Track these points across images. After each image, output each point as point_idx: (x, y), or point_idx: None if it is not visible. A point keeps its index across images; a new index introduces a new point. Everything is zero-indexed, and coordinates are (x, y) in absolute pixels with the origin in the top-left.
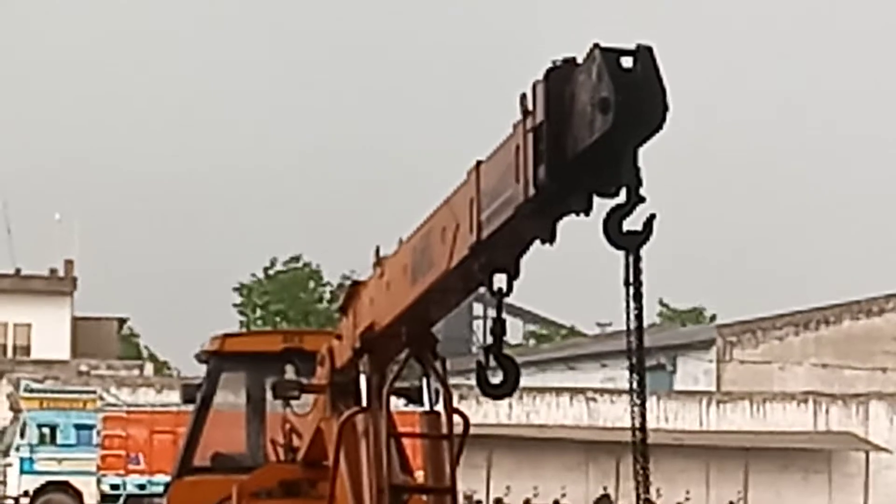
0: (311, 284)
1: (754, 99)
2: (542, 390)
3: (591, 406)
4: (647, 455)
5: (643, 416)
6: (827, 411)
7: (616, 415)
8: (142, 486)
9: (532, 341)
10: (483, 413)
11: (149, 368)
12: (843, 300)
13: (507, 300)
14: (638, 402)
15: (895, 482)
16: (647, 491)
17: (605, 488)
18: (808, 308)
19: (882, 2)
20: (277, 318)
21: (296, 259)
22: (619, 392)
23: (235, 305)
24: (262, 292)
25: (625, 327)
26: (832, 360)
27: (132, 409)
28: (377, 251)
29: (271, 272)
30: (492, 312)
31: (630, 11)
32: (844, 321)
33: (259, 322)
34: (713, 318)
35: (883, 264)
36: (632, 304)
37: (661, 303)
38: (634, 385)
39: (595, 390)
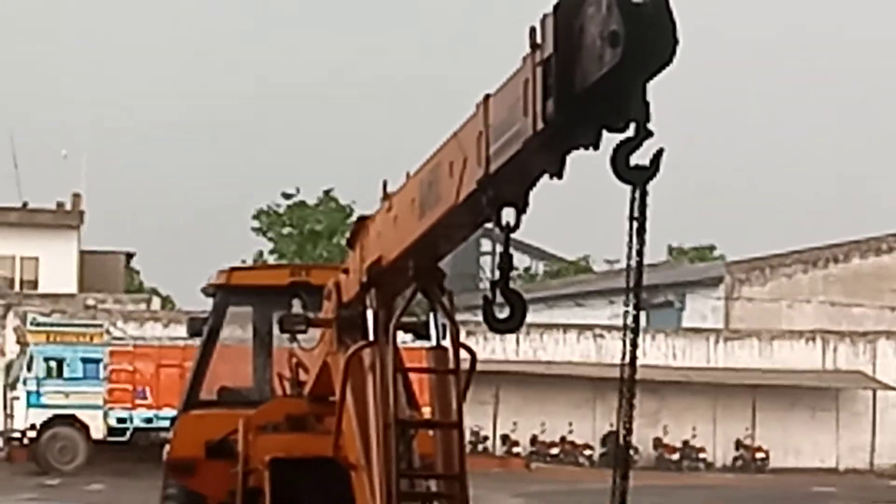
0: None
1: (764, 25)
2: (549, 327)
3: (598, 342)
4: (633, 391)
5: (633, 351)
6: (835, 349)
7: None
8: (148, 420)
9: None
10: (490, 349)
11: (156, 302)
12: (852, 238)
13: (515, 236)
14: (631, 337)
15: None
16: (630, 426)
17: (611, 425)
18: (816, 246)
19: None
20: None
21: (327, 192)
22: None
23: (254, 230)
24: (283, 222)
25: (626, 262)
26: (840, 298)
27: (139, 342)
28: (384, 185)
29: (291, 202)
30: (500, 248)
31: None
32: (853, 259)
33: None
34: (717, 254)
35: (891, 202)
36: (635, 239)
37: (670, 248)
38: (629, 321)
39: (603, 327)
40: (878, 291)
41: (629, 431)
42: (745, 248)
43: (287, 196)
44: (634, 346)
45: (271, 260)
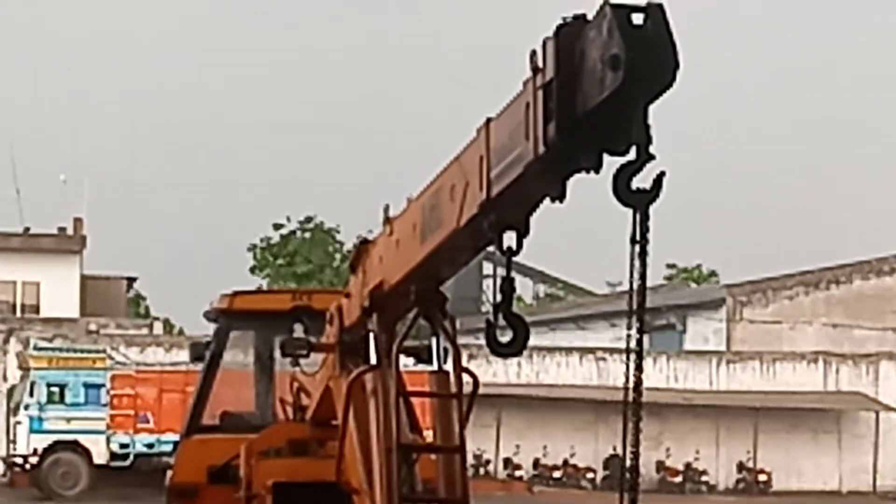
0: (330, 248)
1: (762, 49)
2: (551, 350)
3: (600, 366)
4: (640, 415)
5: (639, 375)
6: (837, 371)
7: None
8: (150, 445)
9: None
10: (492, 372)
11: (158, 327)
12: (854, 260)
13: (517, 259)
14: (635, 360)
15: None
16: (636, 449)
17: (614, 448)
18: (818, 267)
19: None
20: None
21: (309, 220)
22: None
23: (252, 270)
24: (276, 254)
25: (629, 286)
26: (842, 320)
27: (141, 367)
28: (386, 209)
29: (284, 231)
30: (501, 271)
31: None
32: (855, 281)
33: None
34: (713, 273)
35: (892, 223)
36: (636, 263)
37: (668, 265)
38: (633, 344)
39: (605, 350)
40: (881, 313)
41: (636, 456)
42: (742, 270)
43: (277, 227)
44: (640, 369)
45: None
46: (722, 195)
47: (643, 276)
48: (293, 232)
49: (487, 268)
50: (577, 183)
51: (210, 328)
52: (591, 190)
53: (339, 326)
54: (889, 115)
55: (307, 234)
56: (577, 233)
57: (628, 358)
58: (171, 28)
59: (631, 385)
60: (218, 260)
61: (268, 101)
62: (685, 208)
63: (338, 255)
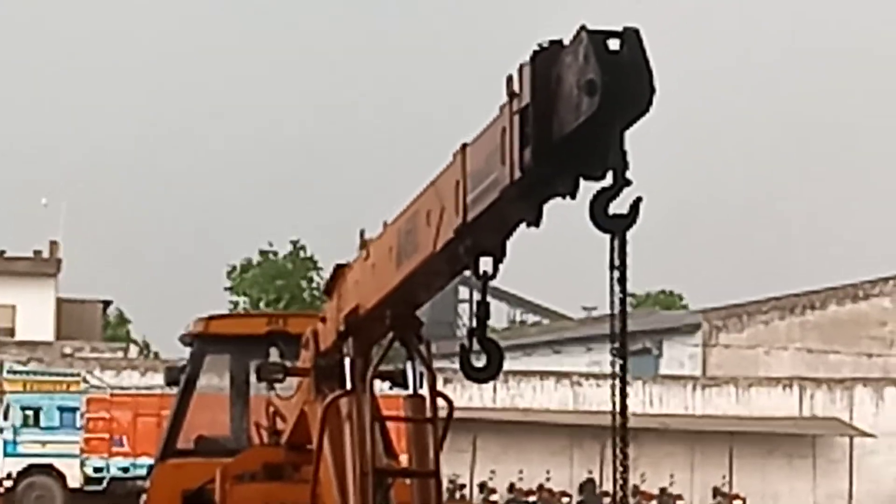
0: (310, 274)
1: (730, 74)
2: (527, 374)
3: (576, 390)
4: (626, 440)
5: (624, 400)
6: (812, 396)
7: (601, 399)
8: (125, 469)
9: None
10: (468, 397)
11: (133, 351)
12: (829, 285)
13: (493, 283)
14: (619, 385)
15: (879, 467)
16: (625, 475)
17: (589, 472)
18: (793, 293)
19: None
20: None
21: (293, 244)
22: (605, 376)
23: (227, 289)
24: (253, 280)
25: (610, 311)
26: (817, 345)
27: (116, 391)
28: (362, 234)
29: (264, 257)
30: (477, 296)
31: None
32: (830, 306)
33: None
34: (680, 298)
35: (870, 249)
36: (616, 288)
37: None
38: (617, 369)
39: (580, 374)
40: (855, 338)
41: (625, 482)
42: (711, 295)
43: (263, 253)
44: (624, 395)
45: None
46: (687, 220)
47: (623, 302)
48: (274, 253)
49: (463, 292)
50: (554, 207)
51: (186, 352)
52: (567, 214)
53: (314, 351)
54: (860, 142)
55: (289, 259)
56: (552, 257)
57: (613, 382)
58: (159, 54)
59: (618, 410)
60: (197, 283)
61: (253, 119)
62: (649, 233)
63: (318, 281)
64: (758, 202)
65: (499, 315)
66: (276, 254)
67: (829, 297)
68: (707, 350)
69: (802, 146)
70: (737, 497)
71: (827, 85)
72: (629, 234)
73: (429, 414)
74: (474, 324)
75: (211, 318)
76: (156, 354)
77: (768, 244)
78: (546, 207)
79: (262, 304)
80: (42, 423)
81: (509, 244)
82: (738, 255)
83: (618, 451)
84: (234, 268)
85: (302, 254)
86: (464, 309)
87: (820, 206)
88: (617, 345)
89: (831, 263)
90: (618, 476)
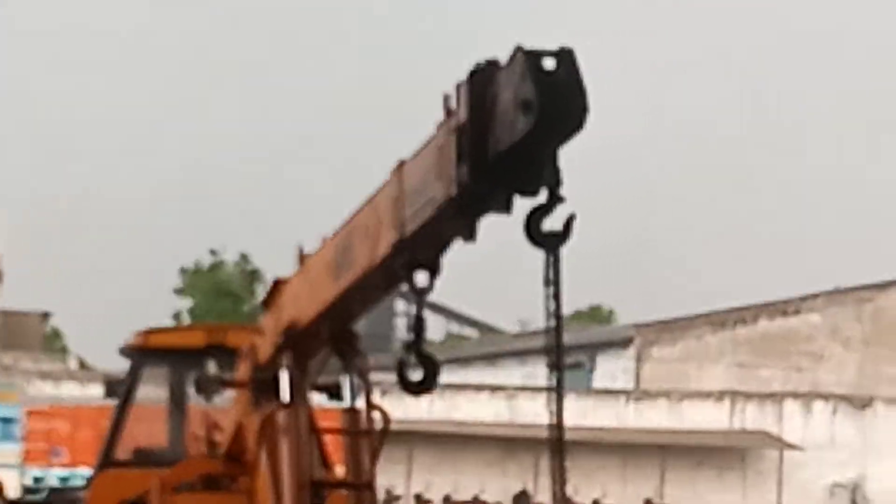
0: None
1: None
2: (462, 387)
3: (510, 403)
4: (563, 453)
5: (560, 414)
6: (743, 410)
7: (536, 412)
8: (64, 479)
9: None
10: (403, 409)
11: (73, 362)
12: (760, 300)
13: (430, 297)
14: (556, 400)
15: (808, 480)
16: (563, 488)
17: (523, 484)
18: (725, 308)
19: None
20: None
21: (244, 258)
22: (539, 389)
23: (176, 291)
24: (198, 289)
25: (544, 326)
26: (748, 360)
27: (55, 402)
28: (300, 248)
29: (207, 267)
30: (414, 309)
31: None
32: (760, 321)
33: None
34: (611, 312)
35: (800, 264)
36: (551, 304)
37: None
38: (553, 382)
39: (515, 388)
40: (785, 353)
41: (563, 493)
42: (643, 309)
43: (213, 252)
44: (560, 408)
45: (190, 319)
46: (619, 236)
47: (558, 317)
48: (221, 262)
49: (400, 305)
50: (490, 222)
51: (125, 364)
52: (503, 229)
53: (252, 364)
54: (789, 159)
55: (236, 270)
56: (488, 271)
57: (552, 397)
58: (99, 71)
59: (556, 422)
60: (139, 293)
61: (201, 129)
62: (582, 248)
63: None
64: (684, 218)
65: (436, 328)
66: (222, 262)
67: (760, 313)
68: (640, 364)
69: (730, 159)
70: None
71: (734, 91)
72: (563, 250)
73: (364, 426)
74: (411, 338)
75: (150, 330)
76: (93, 367)
77: (699, 259)
78: (481, 223)
79: (206, 315)
80: None
81: (445, 259)
82: (668, 270)
83: (556, 463)
84: (184, 270)
85: (249, 266)
86: (401, 322)
87: (749, 221)
88: (553, 359)
89: (762, 279)
90: (556, 489)
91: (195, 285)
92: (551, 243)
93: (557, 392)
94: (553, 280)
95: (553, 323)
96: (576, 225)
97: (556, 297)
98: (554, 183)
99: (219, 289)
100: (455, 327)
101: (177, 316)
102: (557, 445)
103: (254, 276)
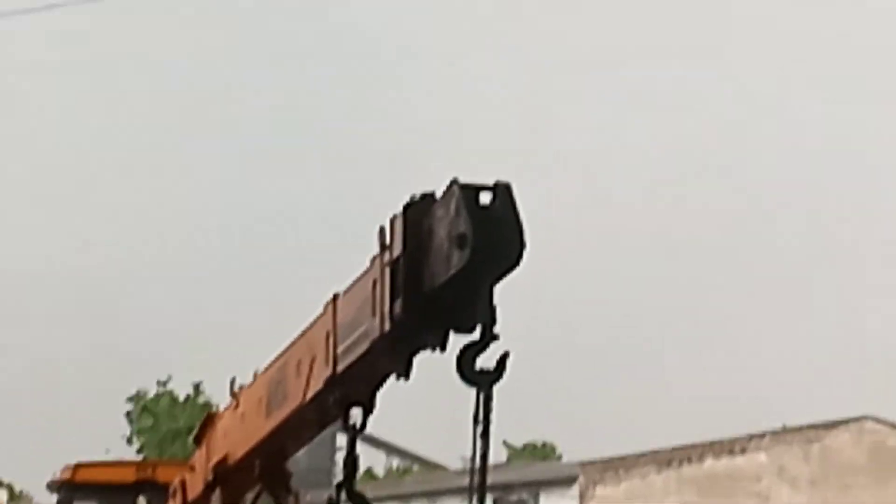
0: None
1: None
2: None
3: None
4: None
5: None
6: None
7: None
8: None
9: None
10: None
11: (2, 495)
12: (705, 439)
13: (369, 432)
14: None
15: None
16: None
17: None
18: (670, 447)
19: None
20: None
21: (195, 387)
22: None
23: (126, 414)
24: (149, 412)
25: (470, 465)
26: (694, 499)
27: None
28: (233, 382)
29: (160, 392)
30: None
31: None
32: (706, 460)
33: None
34: (554, 448)
35: (746, 405)
36: (479, 442)
37: (505, 443)
38: None
39: None
40: (732, 493)
41: None
42: (588, 446)
43: (162, 384)
44: None
45: (132, 450)
46: (559, 368)
47: (485, 457)
48: (170, 392)
49: (341, 440)
50: (429, 356)
51: (53, 499)
52: (442, 363)
53: (181, 500)
54: (730, 286)
55: (189, 401)
56: (430, 406)
57: None
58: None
59: None
60: (79, 425)
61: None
62: (522, 382)
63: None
64: (634, 355)
65: (377, 463)
66: (172, 394)
67: (706, 452)
68: (584, 503)
69: (677, 300)
70: None
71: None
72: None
73: None
74: (343, 476)
75: (79, 465)
76: (27, 495)
77: (643, 396)
78: (416, 359)
79: (155, 446)
80: None
81: (379, 395)
82: (613, 406)
83: None
84: (136, 395)
85: (202, 398)
86: (341, 456)
87: (696, 362)
88: (479, 498)
89: (708, 418)
90: None
91: (142, 416)
92: (483, 381)
93: None
94: (483, 418)
95: (479, 463)
96: (509, 363)
97: (485, 435)
98: (488, 320)
99: (168, 420)
100: (396, 462)
101: (129, 439)
102: None
103: (206, 408)
